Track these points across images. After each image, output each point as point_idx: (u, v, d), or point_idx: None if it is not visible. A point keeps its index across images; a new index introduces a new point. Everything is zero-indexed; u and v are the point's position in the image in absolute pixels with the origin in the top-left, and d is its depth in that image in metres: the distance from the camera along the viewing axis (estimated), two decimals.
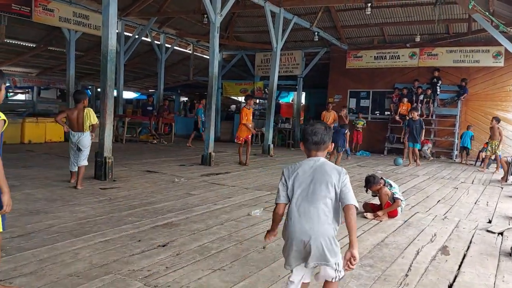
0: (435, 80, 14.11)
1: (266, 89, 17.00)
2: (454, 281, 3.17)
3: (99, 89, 18.01)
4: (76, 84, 15.49)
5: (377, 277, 3.14)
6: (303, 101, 19.72)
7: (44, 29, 13.85)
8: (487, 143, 10.82)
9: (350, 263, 2.14)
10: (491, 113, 12.78)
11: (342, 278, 2.29)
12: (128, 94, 23.36)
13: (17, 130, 11.55)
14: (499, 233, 4.55)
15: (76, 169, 6.12)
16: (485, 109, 13.80)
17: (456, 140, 13.63)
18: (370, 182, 5.17)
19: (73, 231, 3.89)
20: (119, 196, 5.58)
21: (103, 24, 6.81)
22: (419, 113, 11.55)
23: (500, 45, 11.76)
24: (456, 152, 13.73)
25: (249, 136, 9.63)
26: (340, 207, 2.25)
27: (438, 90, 14.08)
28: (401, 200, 5.15)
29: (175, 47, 17.24)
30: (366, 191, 5.33)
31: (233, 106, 23.92)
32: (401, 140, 11.92)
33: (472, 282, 3.17)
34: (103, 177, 6.63)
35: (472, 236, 4.44)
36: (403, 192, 6.03)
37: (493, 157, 10.65)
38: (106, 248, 3.46)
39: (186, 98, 25.83)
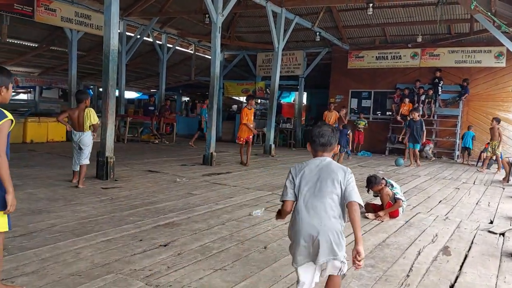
0: (436, 80, 14.08)
1: (267, 89, 16.97)
2: (455, 281, 3.17)
3: (101, 89, 18.16)
4: (78, 84, 15.55)
5: (378, 278, 3.14)
6: (304, 101, 19.70)
7: (46, 29, 13.88)
8: (488, 143, 10.82)
9: (356, 258, 2.17)
10: (493, 114, 12.76)
11: (345, 273, 2.31)
12: (129, 94, 23.41)
13: (19, 130, 11.58)
14: (500, 234, 4.54)
15: (78, 168, 6.15)
16: (486, 109, 13.77)
17: (458, 141, 13.60)
18: (371, 182, 5.16)
19: (75, 230, 3.90)
20: (120, 195, 5.59)
21: (105, 24, 6.81)
22: (419, 113, 11.52)
23: (502, 45, 11.71)
24: (457, 153, 13.71)
25: (250, 137, 9.63)
26: (345, 205, 2.29)
27: (440, 90, 14.04)
28: (403, 201, 5.15)
29: (177, 47, 17.25)
30: (368, 191, 5.32)
31: (235, 106, 23.92)
32: (399, 140, 11.89)
33: (473, 282, 3.17)
34: (105, 176, 6.64)
35: (474, 237, 4.43)
36: (404, 193, 6.03)
37: (494, 158, 10.65)
38: (108, 248, 3.47)
39: (188, 98, 25.85)
